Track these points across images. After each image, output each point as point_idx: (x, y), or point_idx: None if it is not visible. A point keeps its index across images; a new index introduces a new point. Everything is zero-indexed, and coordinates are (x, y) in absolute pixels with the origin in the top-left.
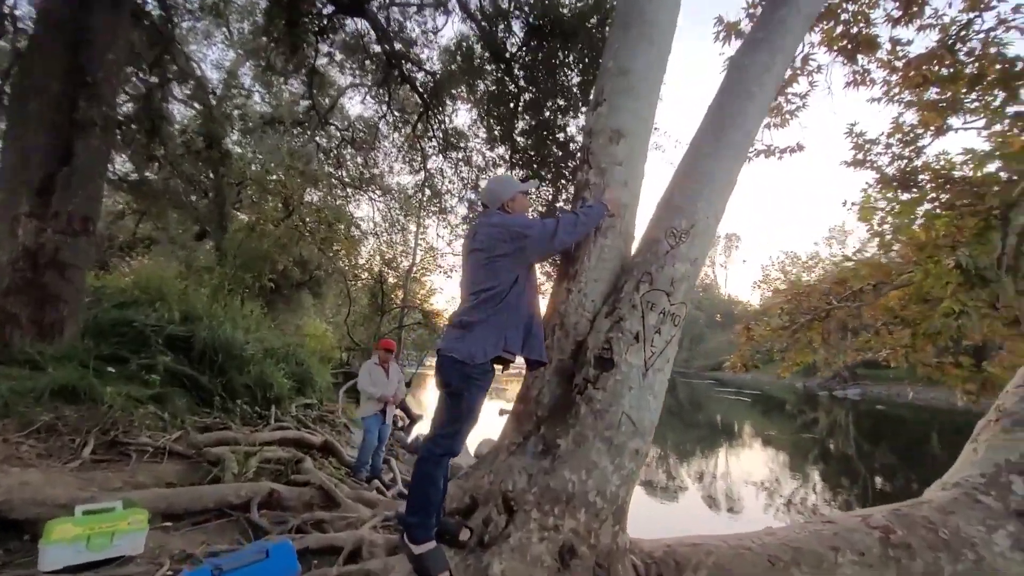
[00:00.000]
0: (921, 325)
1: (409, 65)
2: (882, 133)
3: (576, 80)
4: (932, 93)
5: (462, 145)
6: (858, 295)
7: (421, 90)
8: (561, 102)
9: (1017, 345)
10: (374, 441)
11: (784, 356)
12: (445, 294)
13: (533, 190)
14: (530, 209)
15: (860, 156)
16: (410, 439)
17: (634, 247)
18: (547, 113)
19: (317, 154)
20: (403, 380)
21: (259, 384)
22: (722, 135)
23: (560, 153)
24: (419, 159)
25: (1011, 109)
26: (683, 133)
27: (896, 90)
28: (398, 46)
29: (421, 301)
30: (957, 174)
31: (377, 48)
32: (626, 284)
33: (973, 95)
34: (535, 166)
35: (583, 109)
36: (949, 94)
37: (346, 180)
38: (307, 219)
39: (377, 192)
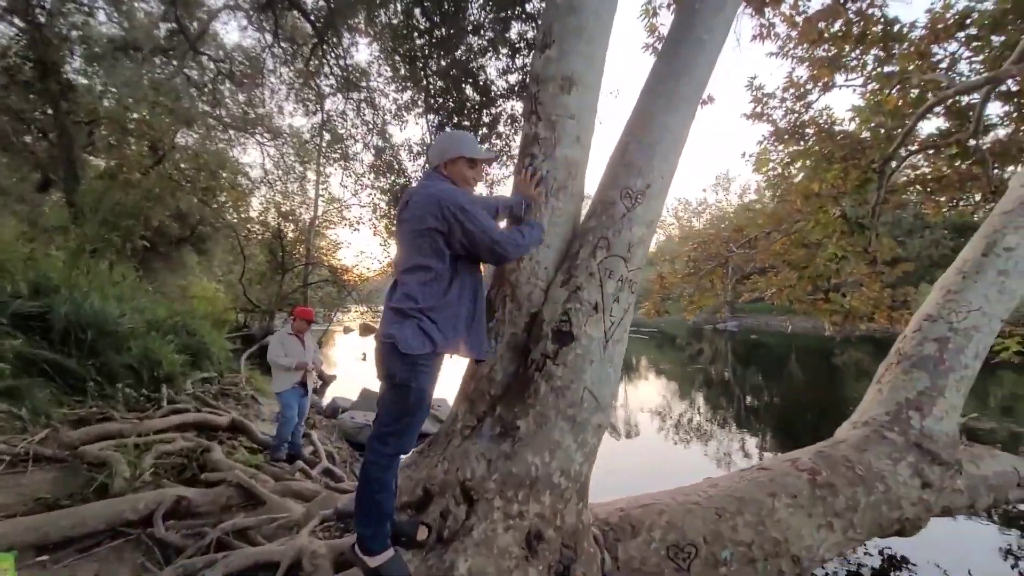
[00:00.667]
0: (807, 268)
1: None
2: (778, 87)
3: (490, 17)
4: (821, 50)
5: (364, 85)
6: (752, 242)
7: (313, 18)
8: (477, 41)
9: (873, 284)
10: (294, 417)
11: (690, 299)
12: (353, 248)
13: (487, 166)
14: (476, 186)
15: (759, 109)
16: (325, 403)
17: (584, 208)
18: (461, 53)
19: (188, 89)
20: (317, 350)
21: (144, 362)
22: (675, 86)
23: (480, 98)
24: (314, 99)
25: (888, 69)
26: (618, 79)
27: (792, 45)
28: None
29: (327, 256)
30: (838, 129)
31: None
32: (581, 250)
33: (855, 53)
34: (453, 115)
35: (503, 51)
36: (835, 51)
37: (227, 121)
38: (183, 166)
39: (266, 135)
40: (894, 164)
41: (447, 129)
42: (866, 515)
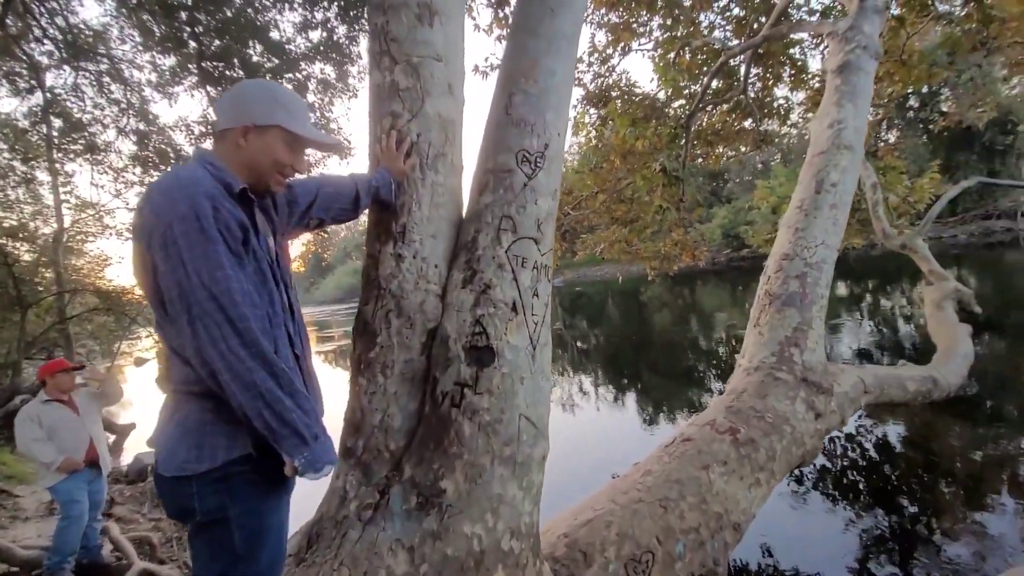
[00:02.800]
0: (637, 222)
1: None
2: (584, 52)
3: None
4: (615, 16)
5: (102, 51)
6: (582, 203)
7: None
8: None
9: (679, 229)
10: (83, 514)
11: None
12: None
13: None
14: (280, 185)
15: None
16: (125, 464)
17: (465, 181)
18: (241, 3)
19: None
20: (98, 408)
21: None
22: (552, 23)
23: (276, 62)
24: (27, 72)
25: (673, 34)
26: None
27: (591, 9)
28: None
29: (91, 278)
30: (638, 90)
31: None
32: (480, 236)
33: (644, 18)
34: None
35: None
36: (628, 17)
37: None
38: None
39: None
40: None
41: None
42: (781, 460)
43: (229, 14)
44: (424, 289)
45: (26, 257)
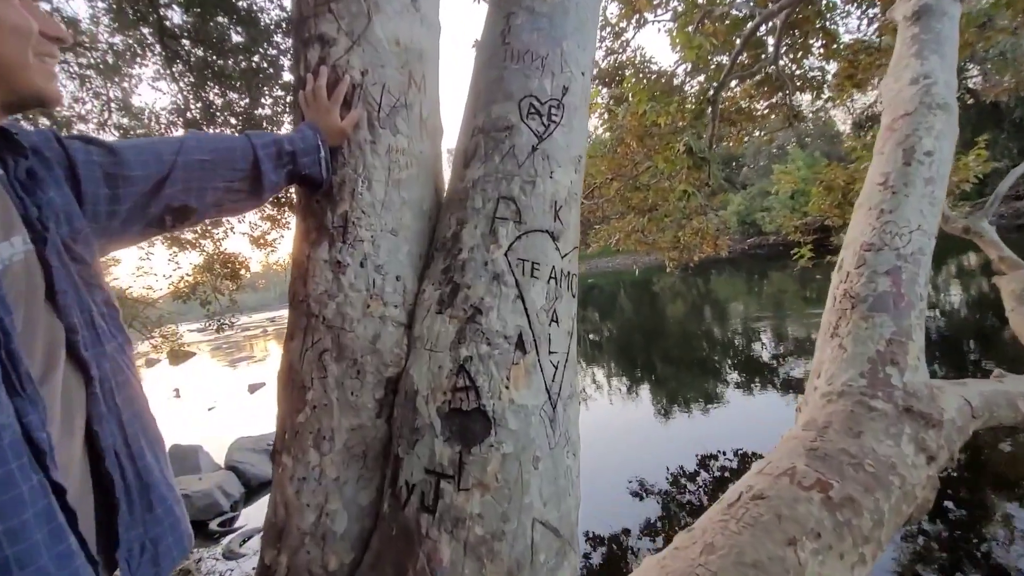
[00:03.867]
0: (656, 212)
1: None
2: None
3: None
4: None
5: (85, 42)
6: (594, 191)
7: None
8: None
9: (700, 216)
10: None
11: None
12: (127, 265)
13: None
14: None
15: None
16: None
17: (443, 150)
18: None
19: None
20: None
21: None
22: None
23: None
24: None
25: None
26: None
27: None
28: None
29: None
30: (654, 66)
31: None
32: (465, 230)
33: None
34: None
35: None
36: None
37: None
38: None
39: None
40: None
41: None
42: (890, 525)
43: None
44: (378, 315)
45: None
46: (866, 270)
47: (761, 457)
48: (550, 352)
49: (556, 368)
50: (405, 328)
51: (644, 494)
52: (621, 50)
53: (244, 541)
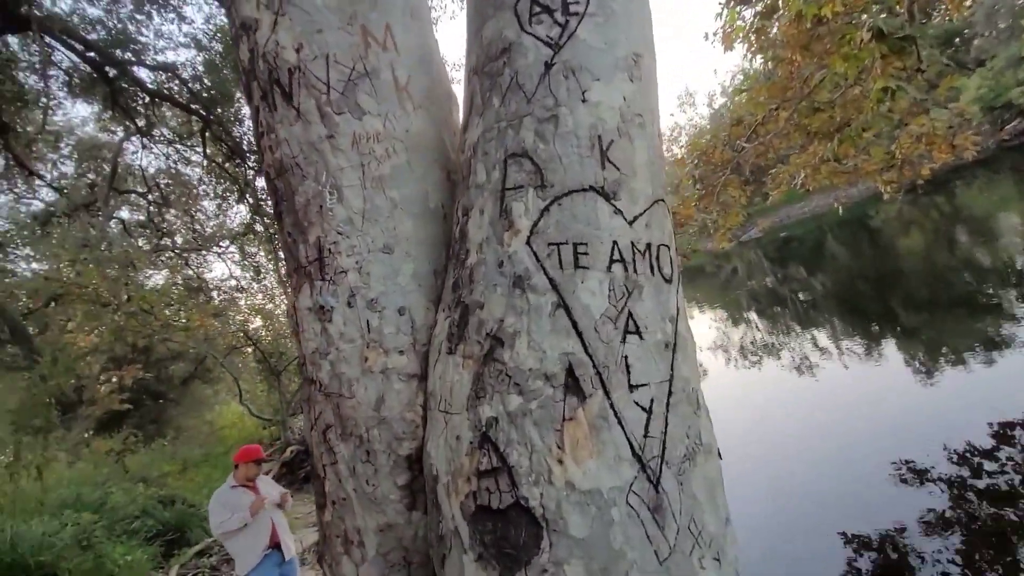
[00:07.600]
0: (853, 126)
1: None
2: None
3: None
4: None
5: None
6: (757, 130)
7: (192, 105)
8: None
9: (919, 117)
10: None
11: (716, 225)
12: None
13: None
14: None
15: None
16: None
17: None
18: None
19: (122, 232)
20: (286, 492)
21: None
22: None
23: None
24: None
25: None
26: None
27: None
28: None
29: None
30: None
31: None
32: (470, 219)
33: None
34: None
35: None
36: None
37: (178, 248)
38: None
39: (223, 244)
40: None
41: None
42: None
43: None
44: (379, 370)
45: (266, 336)
46: None
47: None
48: (632, 386)
49: (649, 412)
50: (418, 380)
51: (919, 481)
52: None
53: None
